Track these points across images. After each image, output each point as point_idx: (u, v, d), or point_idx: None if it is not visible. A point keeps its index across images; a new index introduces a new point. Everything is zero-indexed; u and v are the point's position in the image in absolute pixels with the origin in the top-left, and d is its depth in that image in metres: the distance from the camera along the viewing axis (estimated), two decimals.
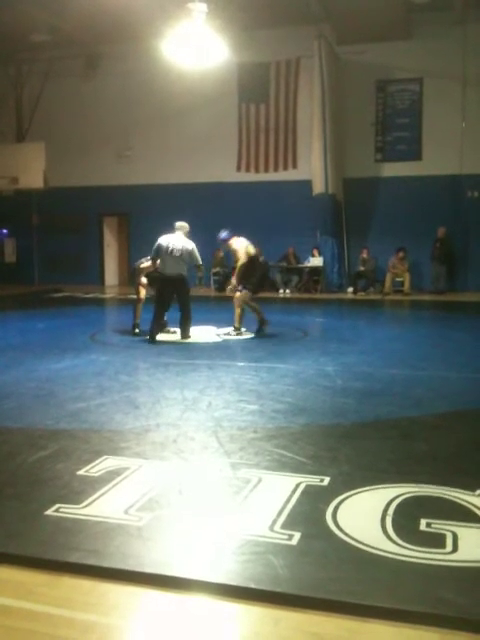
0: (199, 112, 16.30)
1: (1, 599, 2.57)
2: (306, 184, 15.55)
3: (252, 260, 9.03)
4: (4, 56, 17.34)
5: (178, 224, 8.93)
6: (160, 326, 8.80)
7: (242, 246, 9.00)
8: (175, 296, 8.80)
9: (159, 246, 8.69)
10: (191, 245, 8.75)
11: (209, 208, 16.59)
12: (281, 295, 15.75)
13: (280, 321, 11.03)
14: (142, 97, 16.82)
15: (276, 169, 16.78)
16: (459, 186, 15.42)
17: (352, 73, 15.77)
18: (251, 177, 16.89)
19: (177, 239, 8.74)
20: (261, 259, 9.36)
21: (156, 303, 8.77)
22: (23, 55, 17.40)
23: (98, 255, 18.60)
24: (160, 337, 8.98)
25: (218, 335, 9.16)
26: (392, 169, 15.97)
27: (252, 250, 9.06)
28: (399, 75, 15.82)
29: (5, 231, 18.84)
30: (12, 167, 16.75)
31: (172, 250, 8.60)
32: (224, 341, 8.85)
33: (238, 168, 17.05)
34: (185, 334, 8.80)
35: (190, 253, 8.71)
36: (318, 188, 15.37)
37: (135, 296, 9.35)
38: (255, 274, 9.06)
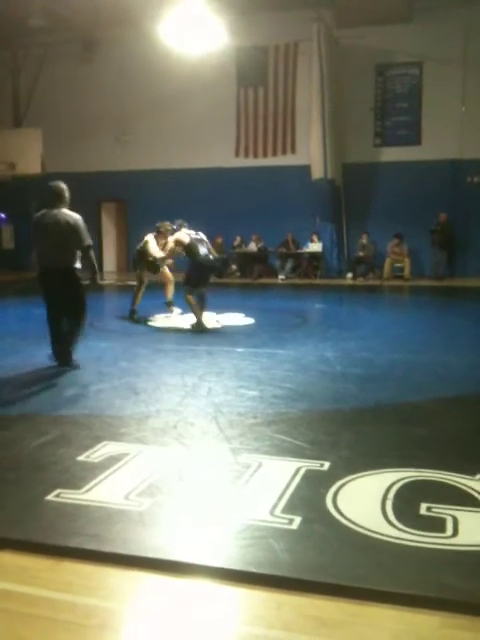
0: (197, 97, 16.18)
1: (3, 584, 2.58)
2: (305, 169, 15.47)
3: (195, 256, 8.34)
4: (0, 41, 17.18)
5: (54, 185, 6.27)
6: (68, 343, 6.26)
7: (175, 237, 8.58)
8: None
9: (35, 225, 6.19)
10: (75, 218, 6.14)
11: (208, 194, 16.54)
12: (280, 281, 15.72)
13: (279, 307, 11.04)
14: (140, 82, 16.70)
15: (275, 154, 16.70)
16: (459, 171, 15.36)
17: (351, 57, 15.64)
18: (250, 162, 16.81)
19: (57, 214, 6.09)
20: (211, 257, 8.51)
21: (47, 312, 6.35)
22: (20, 40, 17.24)
23: (96, 241, 18.52)
24: (159, 323, 8.97)
25: (217, 321, 9.14)
26: (391, 154, 15.89)
27: (186, 240, 8.38)
28: (399, 59, 15.71)
29: (3, 216, 18.75)
30: (9, 153, 16.66)
31: (49, 231, 6.04)
32: (224, 327, 8.83)
33: (236, 153, 16.97)
34: (66, 360, 6.16)
35: (75, 230, 6.06)
36: (317, 173, 15.30)
37: (136, 282, 9.33)
38: (200, 271, 8.40)
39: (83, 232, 6.07)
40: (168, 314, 9.45)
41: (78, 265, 6.14)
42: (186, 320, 8.97)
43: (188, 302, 8.36)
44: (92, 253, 6.16)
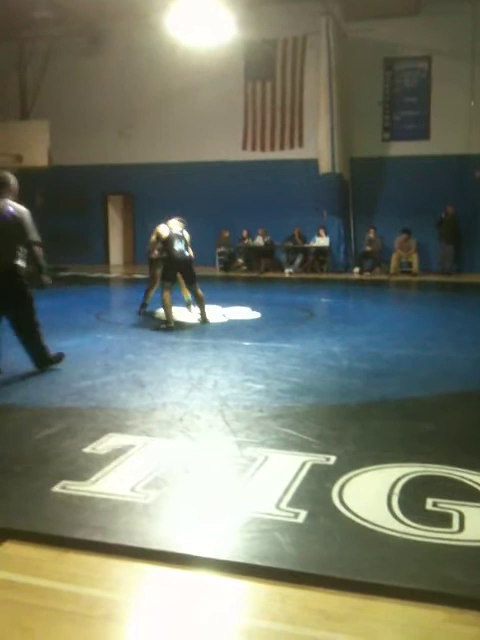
0: (205, 90, 16.13)
1: (8, 574, 2.59)
2: (312, 163, 15.42)
3: (169, 251, 8.29)
4: (7, 34, 17.14)
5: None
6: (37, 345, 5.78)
7: (156, 230, 8.60)
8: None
9: None
10: (21, 211, 5.63)
11: (214, 187, 16.50)
12: (287, 275, 15.69)
13: (286, 301, 11.02)
14: (147, 75, 16.64)
15: (282, 148, 16.63)
16: (467, 166, 15.26)
17: (359, 51, 15.54)
18: (257, 156, 16.76)
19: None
20: (188, 254, 8.36)
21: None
22: (26, 33, 17.19)
23: (103, 234, 18.54)
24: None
25: (223, 315, 9.14)
26: (400, 148, 15.81)
27: (165, 234, 8.34)
28: (407, 53, 15.61)
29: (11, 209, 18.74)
30: (16, 145, 16.62)
31: None
32: (230, 321, 8.82)
33: (244, 147, 16.91)
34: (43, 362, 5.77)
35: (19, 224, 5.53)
36: (325, 167, 15.24)
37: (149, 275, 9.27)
38: (170, 266, 8.36)
39: (29, 226, 5.52)
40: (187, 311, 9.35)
41: (21, 263, 5.54)
42: (192, 315, 8.98)
43: (163, 299, 8.20)
44: (38, 250, 5.59)
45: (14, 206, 5.57)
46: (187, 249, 8.39)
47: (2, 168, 16.45)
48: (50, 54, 17.48)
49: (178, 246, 8.28)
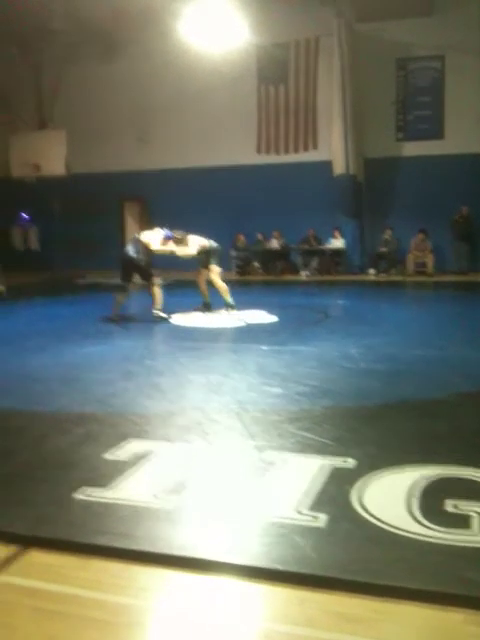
0: (218, 94, 16.18)
1: (32, 582, 2.62)
2: (326, 165, 15.42)
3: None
4: (23, 44, 17.32)
5: None
6: None
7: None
8: None
9: None
10: None
11: (229, 191, 16.55)
12: (302, 277, 15.69)
13: (302, 303, 11.03)
14: (161, 81, 16.73)
15: (296, 150, 16.65)
16: None
17: (372, 51, 15.52)
18: (271, 159, 16.78)
19: None
20: (129, 255, 9.30)
21: None
22: (42, 43, 17.36)
23: (119, 240, 18.63)
24: (182, 321, 9.02)
25: (240, 319, 9.16)
26: (414, 148, 15.77)
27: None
28: (420, 53, 15.56)
29: (27, 216, 18.94)
30: (34, 154, 16.81)
31: None
32: (247, 325, 8.84)
33: (258, 150, 16.95)
34: None
35: None
36: (339, 169, 15.24)
37: (215, 280, 9.44)
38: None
39: None
40: (225, 314, 9.46)
41: None
42: (211, 318, 9.04)
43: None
44: None
45: None
46: (137, 252, 9.14)
47: (21, 177, 16.62)
48: (66, 63, 17.63)
49: (128, 247, 9.36)
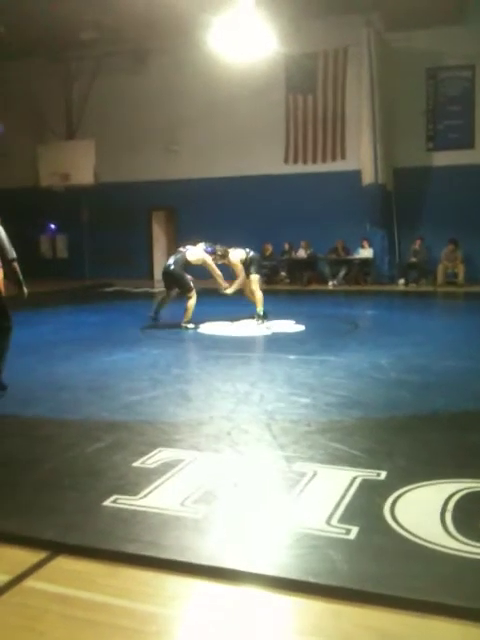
0: (246, 104, 16.21)
1: (61, 589, 2.60)
2: (355, 175, 15.36)
3: None
4: (54, 55, 17.58)
5: None
6: None
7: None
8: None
9: None
10: None
11: (257, 200, 16.57)
12: (330, 287, 15.62)
13: (330, 313, 10.96)
14: (189, 91, 16.85)
15: (324, 160, 16.61)
16: None
17: (401, 61, 15.45)
18: (299, 168, 16.76)
19: None
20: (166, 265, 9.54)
21: None
22: (72, 53, 17.62)
23: (147, 249, 18.75)
24: (209, 330, 9.02)
25: (268, 328, 9.13)
26: (444, 158, 15.64)
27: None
28: (450, 62, 15.46)
29: (53, 226, 19.15)
30: (63, 164, 17.05)
31: None
32: (274, 334, 8.80)
33: (286, 160, 16.95)
34: None
35: None
36: (368, 178, 15.16)
37: (255, 289, 9.53)
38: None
39: (6, 244, 5.69)
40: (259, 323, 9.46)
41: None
42: (239, 328, 9.03)
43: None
44: (17, 266, 5.76)
45: None
46: (173, 263, 9.29)
47: (50, 186, 16.90)
48: (96, 74, 17.85)
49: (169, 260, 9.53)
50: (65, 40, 16.28)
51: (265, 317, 9.54)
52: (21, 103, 18.01)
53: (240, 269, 9.56)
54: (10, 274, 5.88)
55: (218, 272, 9.42)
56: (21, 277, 5.87)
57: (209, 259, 9.29)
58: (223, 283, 9.54)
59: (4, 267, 5.78)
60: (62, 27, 15.10)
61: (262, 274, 9.86)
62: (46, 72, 17.91)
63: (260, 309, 9.52)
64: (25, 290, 5.93)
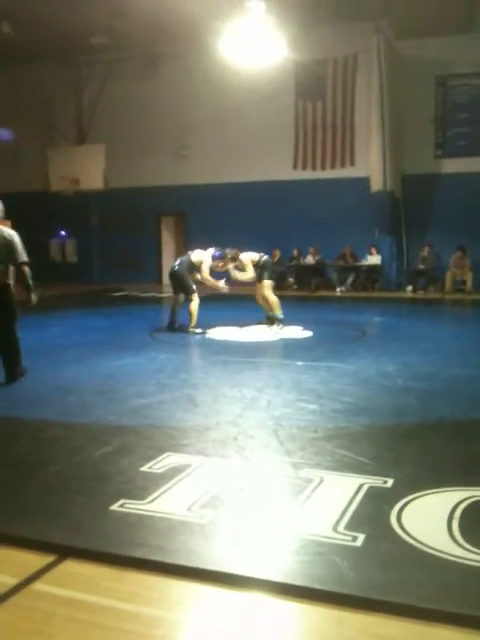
0: (256, 110, 16.25)
1: (68, 592, 2.62)
2: (364, 181, 15.36)
3: None
4: (64, 60, 17.69)
5: None
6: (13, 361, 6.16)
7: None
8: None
9: None
10: (10, 233, 6.04)
11: (266, 206, 16.60)
12: (338, 294, 15.62)
13: (338, 320, 10.95)
14: (199, 96, 16.92)
15: (333, 167, 16.63)
16: None
17: (411, 68, 15.48)
18: (308, 175, 16.79)
19: None
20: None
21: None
22: (83, 58, 17.73)
23: (156, 254, 18.80)
24: (217, 335, 9.03)
25: (276, 334, 9.14)
26: (453, 165, 15.64)
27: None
28: (460, 70, 15.47)
29: (64, 233, 19.24)
30: (73, 169, 17.13)
31: None
32: (281, 340, 8.81)
33: (295, 166, 16.97)
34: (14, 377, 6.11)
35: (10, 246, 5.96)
36: (376, 185, 15.16)
37: (267, 294, 9.54)
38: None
39: (19, 248, 5.95)
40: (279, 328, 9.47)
41: (12, 281, 6.09)
42: (247, 333, 9.03)
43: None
44: (27, 270, 5.99)
45: (4, 230, 6.02)
46: (180, 264, 9.36)
47: (60, 191, 17.07)
48: (107, 79, 17.94)
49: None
50: (76, 45, 16.37)
51: (282, 322, 9.50)
52: (32, 108, 18.14)
53: (251, 269, 9.49)
54: (20, 278, 6.03)
55: (207, 276, 9.30)
56: (31, 282, 5.97)
57: (206, 264, 9.21)
58: (218, 283, 9.45)
59: (16, 271, 5.93)
60: (73, 32, 15.20)
61: (273, 280, 9.76)
62: (57, 77, 18.02)
63: (279, 313, 9.52)
64: (33, 297, 6.00)
